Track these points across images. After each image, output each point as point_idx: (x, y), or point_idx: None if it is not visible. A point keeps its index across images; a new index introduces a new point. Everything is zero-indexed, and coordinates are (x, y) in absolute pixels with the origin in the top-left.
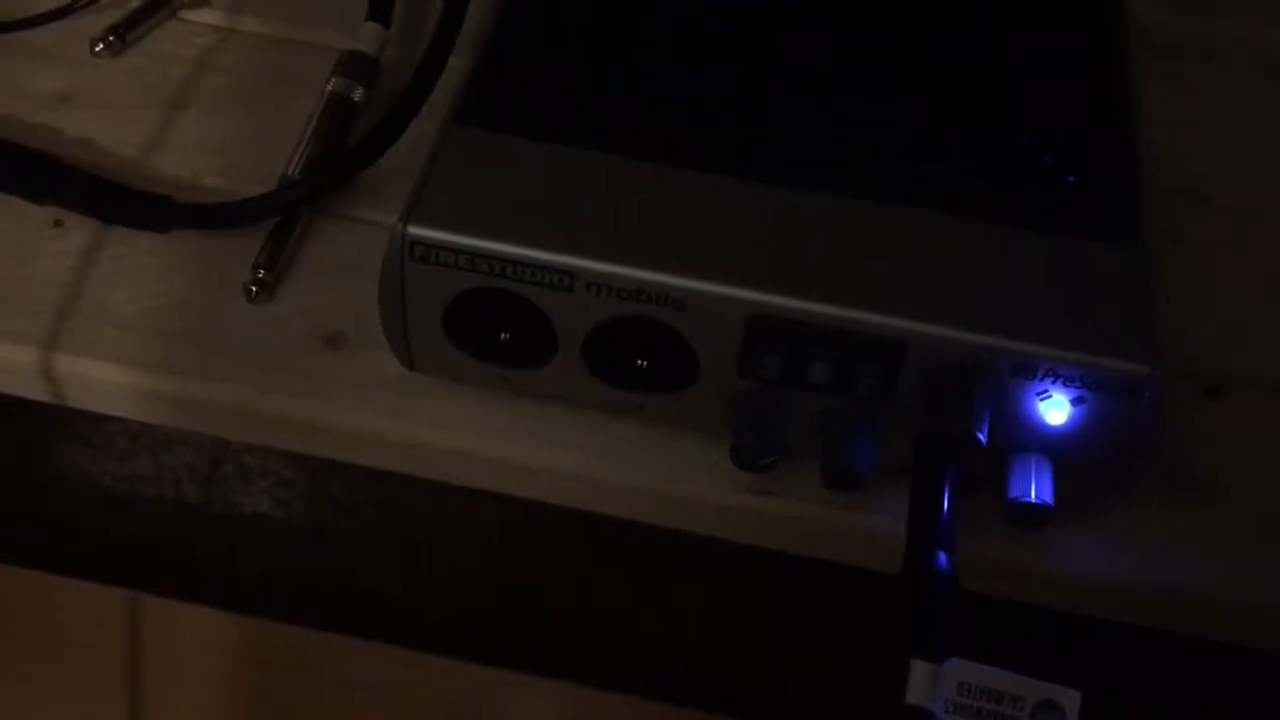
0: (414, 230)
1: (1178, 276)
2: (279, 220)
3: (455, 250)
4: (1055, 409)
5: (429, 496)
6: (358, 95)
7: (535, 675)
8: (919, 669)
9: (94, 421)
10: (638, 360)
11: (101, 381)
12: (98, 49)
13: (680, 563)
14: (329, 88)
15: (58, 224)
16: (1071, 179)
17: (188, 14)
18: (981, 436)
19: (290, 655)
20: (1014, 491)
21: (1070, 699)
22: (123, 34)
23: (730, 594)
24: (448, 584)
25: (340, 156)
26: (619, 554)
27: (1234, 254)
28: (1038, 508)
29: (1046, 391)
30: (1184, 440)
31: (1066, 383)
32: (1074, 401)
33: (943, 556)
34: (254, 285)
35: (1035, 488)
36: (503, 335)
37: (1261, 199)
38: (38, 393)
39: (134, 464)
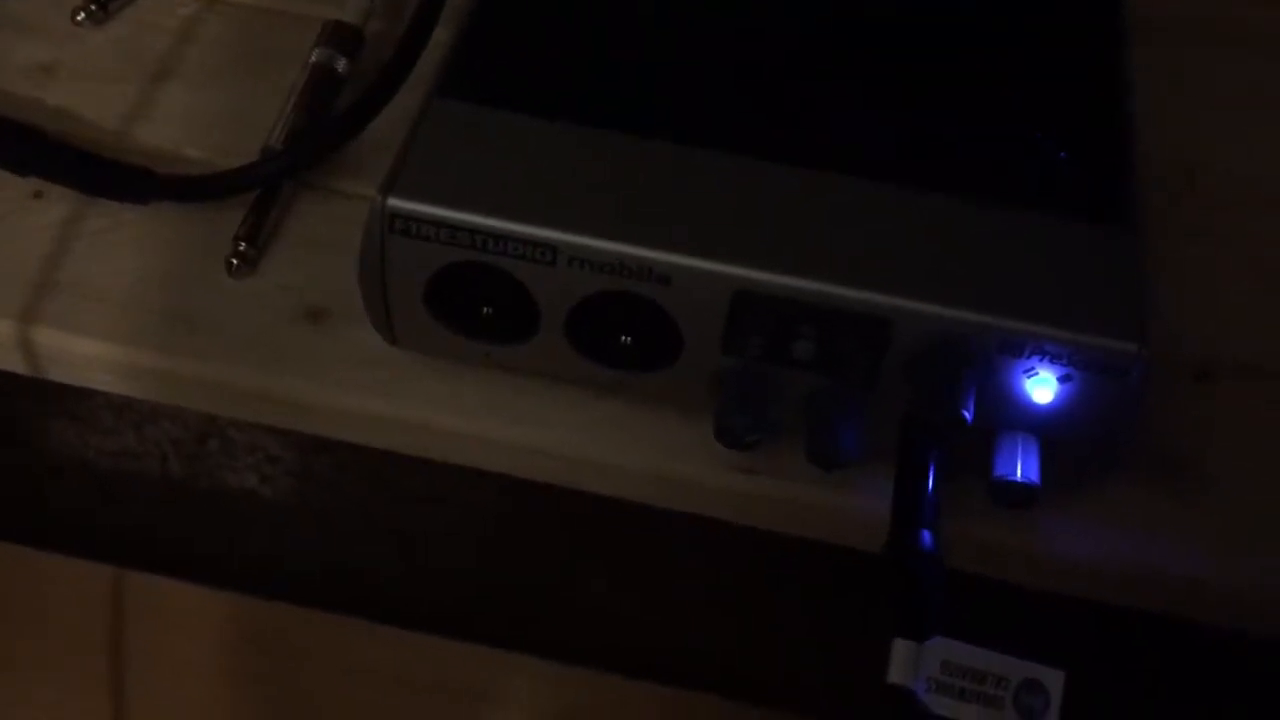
0: (394, 203)
1: (1168, 262)
2: (261, 192)
3: (436, 223)
4: (1042, 387)
5: (418, 474)
6: (341, 66)
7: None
8: (901, 648)
9: (77, 396)
10: (621, 336)
11: (81, 355)
12: (79, 18)
13: (672, 550)
14: (312, 59)
15: (37, 195)
16: (1063, 155)
17: None
18: (967, 415)
19: (275, 633)
20: (999, 470)
21: (1054, 679)
22: (104, 3)
23: (721, 581)
24: (435, 565)
25: (323, 128)
26: (607, 541)
27: (1225, 240)
28: (1023, 487)
29: (1033, 369)
30: (1172, 425)
31: (1054, 360)
32: (1061, 380)
33: (927, 535)
34: (235, 258)
35: (1021, 467)
36: (485, 310)
37: (1254, 185)
38: (16, 365)
39: (118, 439)
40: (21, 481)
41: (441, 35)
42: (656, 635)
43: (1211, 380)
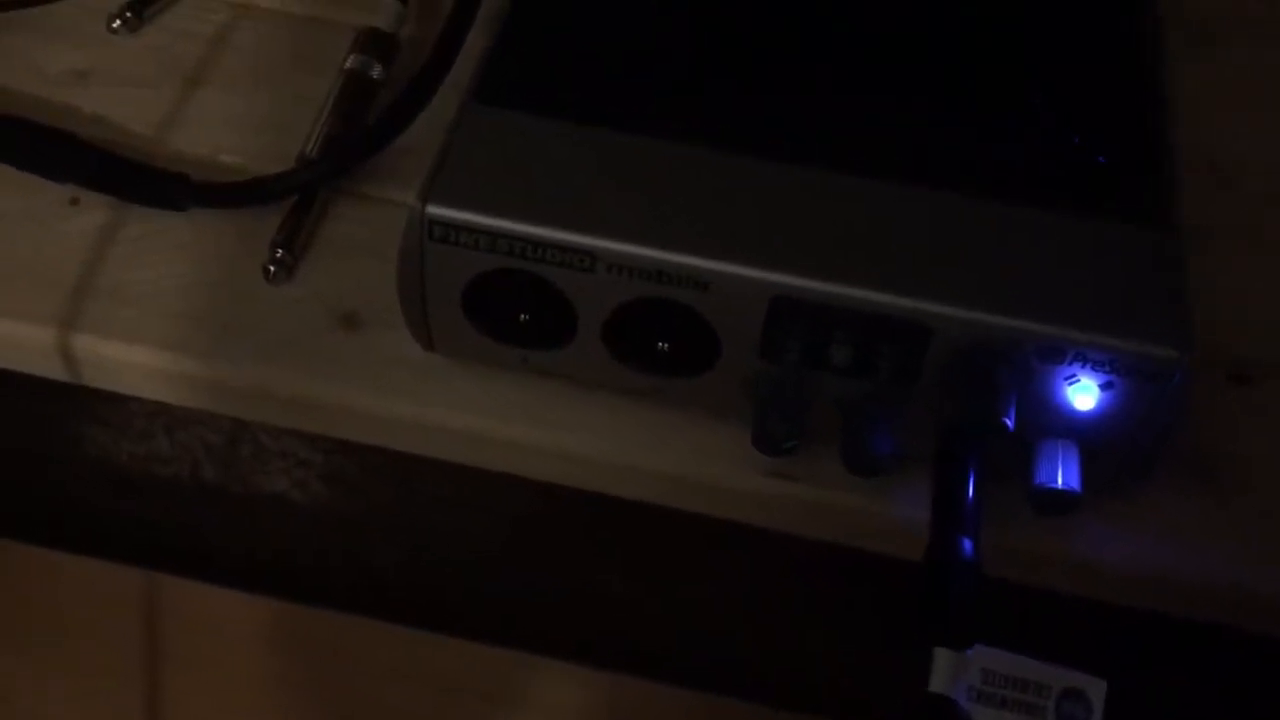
0: (433, 210)
1: (1204, 262)
2: (297, 199)
3: (475, 230)
4: (1083, 394)
5: (448, 479)
6: (376, 73)
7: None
8: (942, 657)
9: (111, 401)
10: (659, 342)
11: (118, 361)
12: (115, 25)
13: (695, 553)
14: (347, 65)
15: (74, 202)
16: (1102, 160)
17: None
18: (1009, 423)
19: (306, 636)
20: (1040, 478)
21: (1096, 688)
22: (140, 10)
23: (744, 584)
24: (463, 569)
25: (359, 135)
26: (631, 543)
27: (1261, 239)
28: (1064, 494)
29: (1075, 376)
30: (1210, 428)
31: (1095, 367)
32: (1103, 386)
33: (967, 543)
34: (272, 265)
35: (1062, 474)
36: (522, 316)
37: None
38: (55, 372)
39: (151, 444)
40: (53, 486)
41: (475, 41)
42: (680, 638)
43: (1249, 382)
